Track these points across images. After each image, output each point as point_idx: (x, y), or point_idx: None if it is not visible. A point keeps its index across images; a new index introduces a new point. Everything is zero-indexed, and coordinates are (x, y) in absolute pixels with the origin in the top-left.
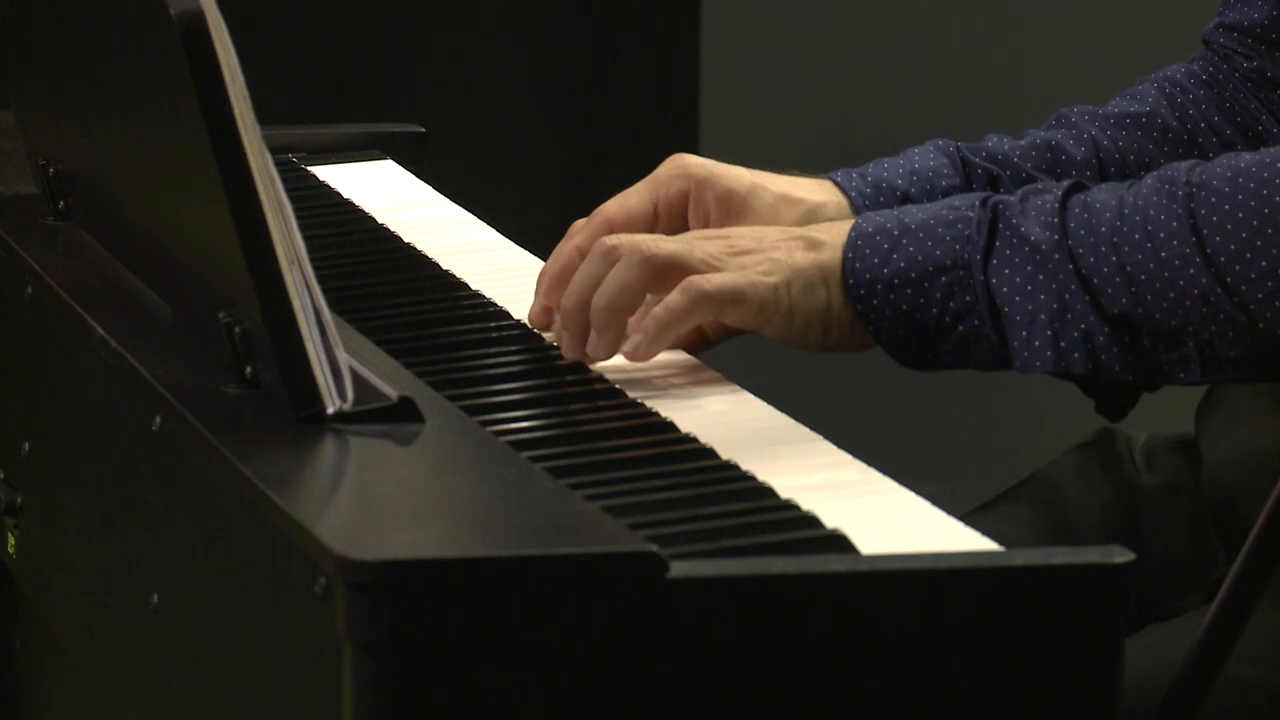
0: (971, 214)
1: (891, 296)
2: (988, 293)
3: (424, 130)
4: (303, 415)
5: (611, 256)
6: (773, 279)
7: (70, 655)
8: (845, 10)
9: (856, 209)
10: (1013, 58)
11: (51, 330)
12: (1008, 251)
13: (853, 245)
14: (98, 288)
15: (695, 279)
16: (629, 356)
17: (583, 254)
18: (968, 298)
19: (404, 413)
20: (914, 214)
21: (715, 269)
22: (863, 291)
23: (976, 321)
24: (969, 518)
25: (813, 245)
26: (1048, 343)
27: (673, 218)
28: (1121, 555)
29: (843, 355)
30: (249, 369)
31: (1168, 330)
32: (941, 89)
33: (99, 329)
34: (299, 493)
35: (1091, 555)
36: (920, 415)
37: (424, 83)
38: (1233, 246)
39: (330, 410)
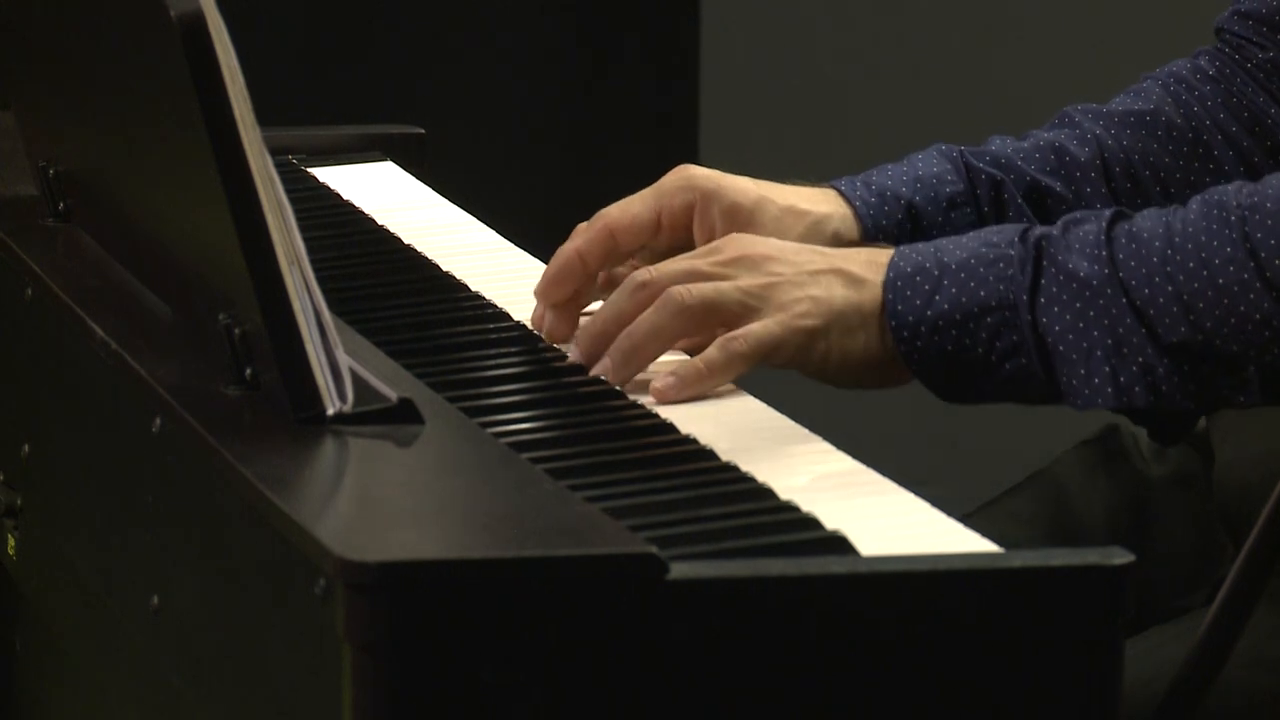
0: (1013, 251)
1: (936, 338)
2: (1035, 332)
3: (424, 132)
4: (303, 417)
5: (643, 296)
6: (811, 322)
7: (70, 656)
8: (845, 10)
9: (861, 218)
10: (1014, 58)
11: (51, 332)
12: (1054, 289)
13: (892, 286)
14: (98, 289)
15: (735, 339)
16: (657, 395)
17: (583, 258)
18: (1014, 338)
19: (404, 414)
20: (952, 251)
21: (753, 309)
22: (906, 334)
23: (1024, 360)
24: (972, 517)
25: (852, 282)
26: (1107, 380)
27: (676, 229)
28: (1121, 557)
29: None
30: (249, 370)
31: (1228, 356)
32: (942, 89)
33: (99, 330)
34: (299, 494)
35: (1091, 557)
36: (921, 416)
37: (424, 84)
38: None
39: (330, 412)
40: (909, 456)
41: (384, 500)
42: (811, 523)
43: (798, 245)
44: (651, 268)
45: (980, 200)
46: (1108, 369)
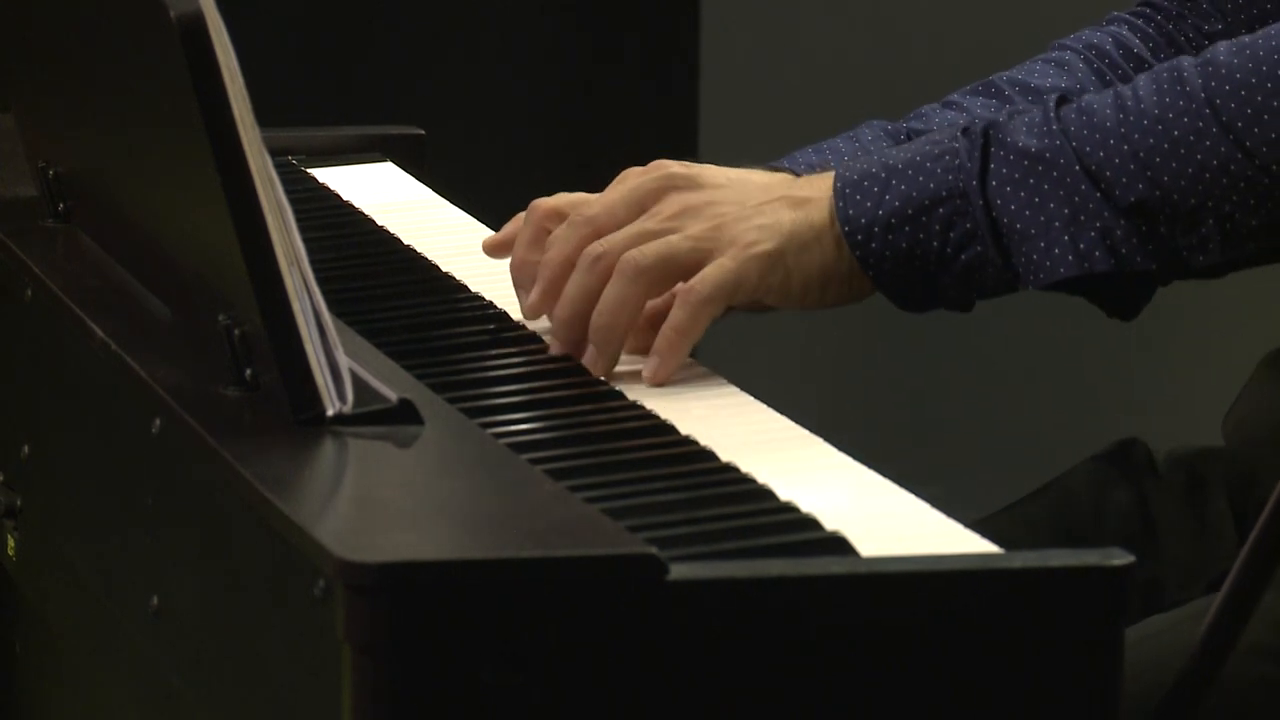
0: (957, 144)
1: (890, 236)
2: (989, 216)
3: (423, 132)
4: (302, 418)
5: (600, 267)
6: (763, 248)
7: (70, 657)
8: (845, 10)
9: None
10: (1014, 60)
11: (51, 333)
12: (1004, 170)
13: (841, 194)
14: (97, 290)
15: (692, 289)
16: (649, 381)
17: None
18: (968, 225)
19: (403, 415)
20: (895, 155)
21: (707, 252)
22: (860, 236)
23: (979, 248)
24: (982, 523)
25: (798, 203)
26: (1067, 248)
27: None
28: (1120, 558)
29: (840, 355)
30: (249, 371)
31: (1186, 210)
32: (942, 90)
33: (99, 331)
34: (298, 495)
35: (1090, 558)
36: (922, 418)
37: (424, 84)
38: (1249, 111)
39: (330, 412)
40: (909, 457)
41: (384, 501)
42: (811, 523)
43: (740, 182)
44: (602, 240)
45: None
46: (1066, 238)
